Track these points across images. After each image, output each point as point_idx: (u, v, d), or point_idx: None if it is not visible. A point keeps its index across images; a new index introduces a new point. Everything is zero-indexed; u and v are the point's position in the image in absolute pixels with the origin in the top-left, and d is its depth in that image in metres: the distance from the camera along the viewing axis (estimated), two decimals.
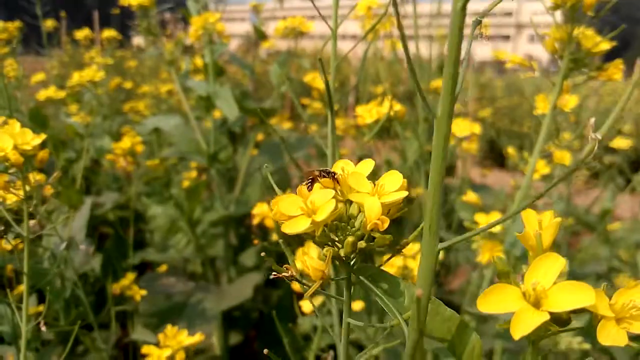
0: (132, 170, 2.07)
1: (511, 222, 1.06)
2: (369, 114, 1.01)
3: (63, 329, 1.21)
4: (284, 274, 0.44)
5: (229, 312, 1.75)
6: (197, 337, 1.09)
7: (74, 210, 1.41)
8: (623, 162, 2.77)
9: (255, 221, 0.92)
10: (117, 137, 2.41)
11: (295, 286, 1.08)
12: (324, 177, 0.44)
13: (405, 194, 0.43)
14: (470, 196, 1.55)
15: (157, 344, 1.11)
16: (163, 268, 1.68)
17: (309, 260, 0.41)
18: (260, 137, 2.60)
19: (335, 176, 0.44)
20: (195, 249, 1.79)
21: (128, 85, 3.34)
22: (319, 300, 1.00)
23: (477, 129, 1.53)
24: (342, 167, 0.46)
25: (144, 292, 1.36)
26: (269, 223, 0.91)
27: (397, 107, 1.00)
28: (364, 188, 0.43)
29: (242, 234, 2.14)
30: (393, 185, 0.44)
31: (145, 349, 1.06)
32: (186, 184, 2.18)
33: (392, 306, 0.41)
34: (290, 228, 0.40)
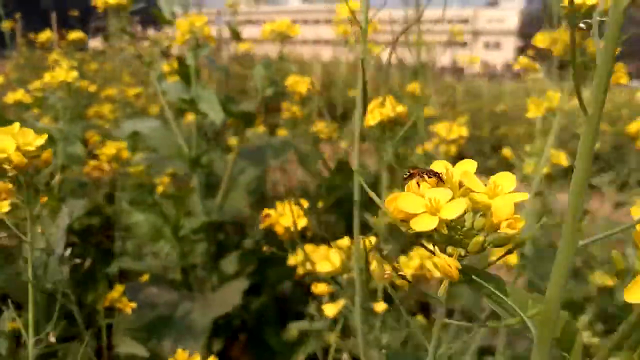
0: (105, 175, 1.99)
1: None
2: (371, 115, 1.00)
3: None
4: (399, 273, 0.43)
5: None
6: None
7: (52, 218, 1.33)
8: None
9: (264, 224, 0.89)
10: (83, 142, 2.30)
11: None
12: (430, 177, 0.44)
13: (526, 195, 0.42)
14: None
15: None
16: (145, 277, 1.61)
17: (441, 259, 0.40)
18: (234, 141, 2.55)
19: (440, 176, 0.44)
20: (179, 257, 1.73)
21: (92, 88, 3.20)
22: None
23: (464, 131, 1.55)
24: (445, 167, 0.46)
25: (133, 305, 1.30)
26: (279, 230, 0.89)
27: (400, 108, 1.00)
28: (480, 188, 0.43)
29: (220, 240, 2.09)
30: (509, 186, 0.43)
31: None
32: (160, 189, 2.11)
33: (513, 305, 0.40)
34: (417, 225, 0.40)
